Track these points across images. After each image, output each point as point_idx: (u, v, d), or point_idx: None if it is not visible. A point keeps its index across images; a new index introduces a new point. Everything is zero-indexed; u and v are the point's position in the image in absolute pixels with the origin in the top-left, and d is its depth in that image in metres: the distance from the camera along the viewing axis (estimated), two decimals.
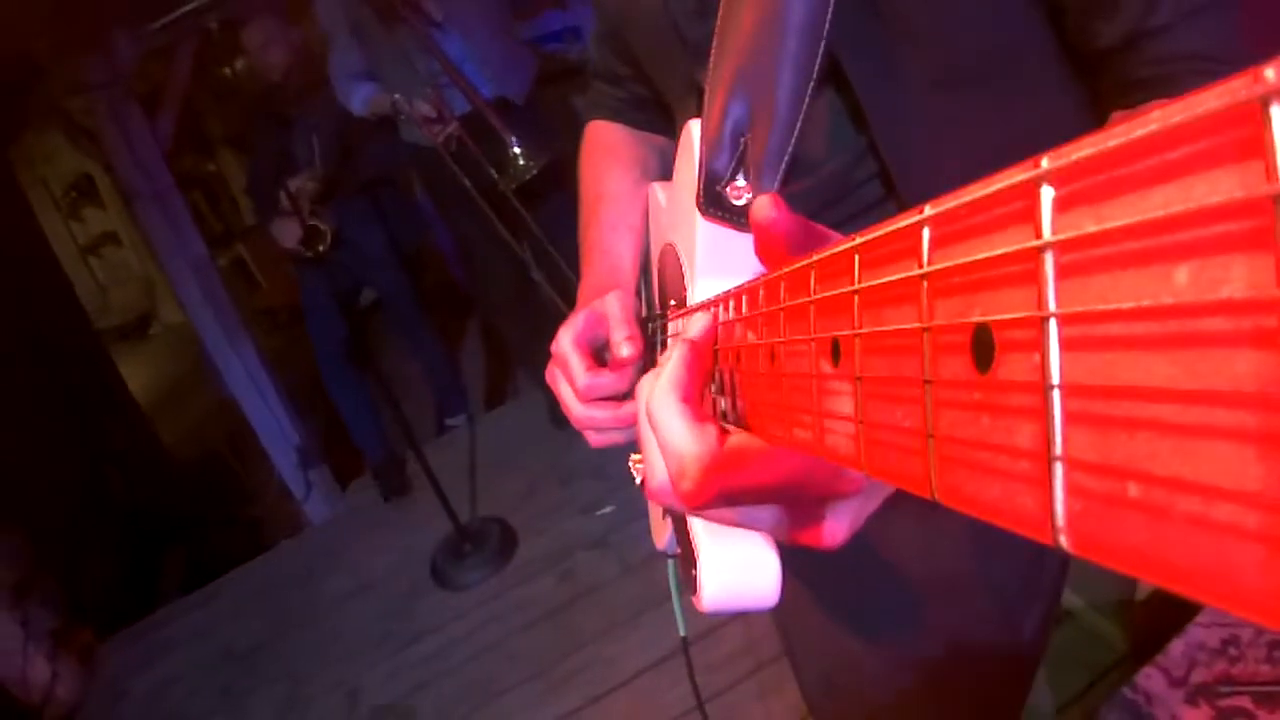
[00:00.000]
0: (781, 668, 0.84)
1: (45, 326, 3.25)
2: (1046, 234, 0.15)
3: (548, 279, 1.95)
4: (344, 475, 3.25)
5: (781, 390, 0.31)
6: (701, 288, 0.56)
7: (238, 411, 2.96)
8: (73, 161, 6.07)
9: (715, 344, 0.40)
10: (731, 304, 0.39)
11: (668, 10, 0.63)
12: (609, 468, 2.49)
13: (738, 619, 1.84)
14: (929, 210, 0.20)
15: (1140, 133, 0.13)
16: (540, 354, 0.71)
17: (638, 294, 0.77)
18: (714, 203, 0.53)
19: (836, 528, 0.35)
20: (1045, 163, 0.15)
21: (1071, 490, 0.15)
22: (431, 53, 2.13)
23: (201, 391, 4.45)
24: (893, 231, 0.21)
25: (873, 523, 0.36)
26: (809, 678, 0.83)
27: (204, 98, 4.98)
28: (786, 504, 0.35)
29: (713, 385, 0.40)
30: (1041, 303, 0.15)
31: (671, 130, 0.76)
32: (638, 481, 0.65)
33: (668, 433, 0.35)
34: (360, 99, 2.55)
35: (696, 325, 0.40)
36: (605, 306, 0.66)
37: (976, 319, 0.17)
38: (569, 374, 0.65)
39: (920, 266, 0.20)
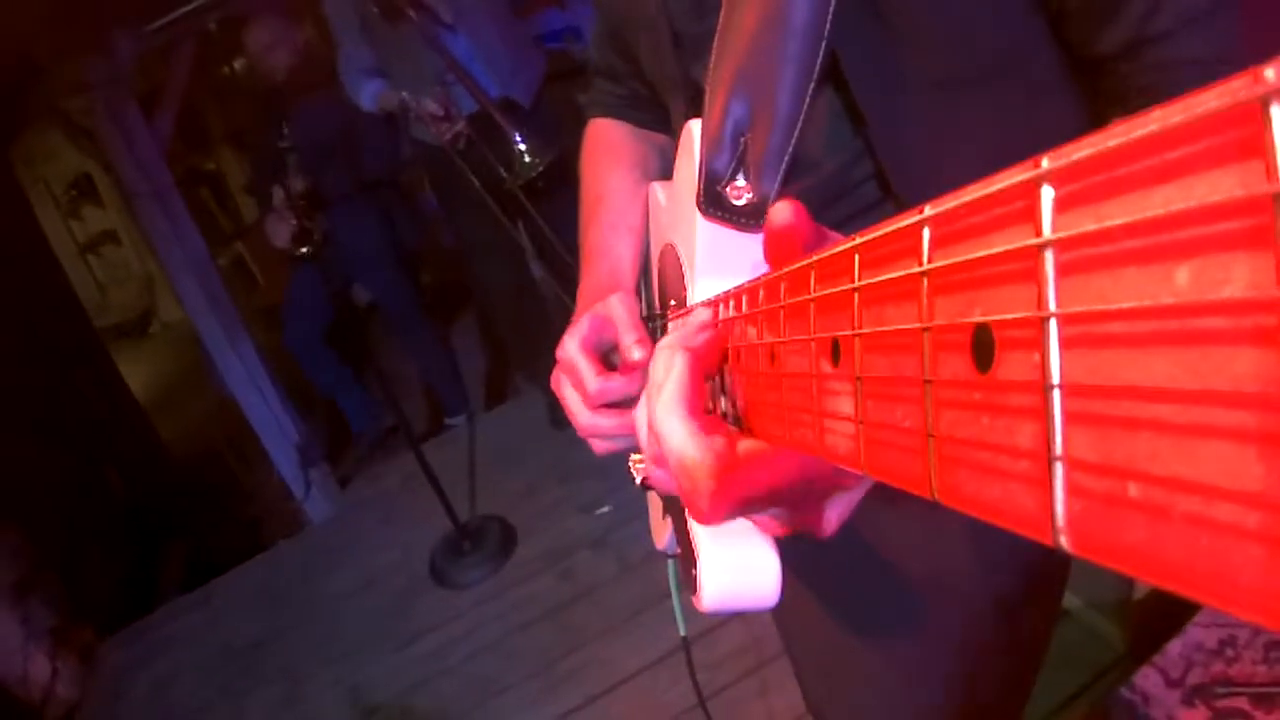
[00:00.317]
0: (783, 665, 0.84)
1: (44, 325, 3.25)
2: (1047, 233, 0.15)
3: (553, 275, 1.96)
4: (344, 474, 3.25)
5: (781, 390, 0.31)
6: (701, 288, 0.56)
7: (237, 410, 2.96)
8: (73, 161, 6.06)
9: (714, 348, 0.40)
10: (731, 304, 0.39)
11: (665, 8, 0.63)
12: (609, 467, 2.46)
13: (738, 617, 1.83)
14: (929, 210, 0.20)
15: (1140, 133, 0.13)
16: (541, 353, 0.71)
17: (638, 294, 0.77)
18: (714, 202, 0.53)
19: (832, 516, 0.36)
20: (1045, 163, 0.15)
21: (1071, 490, 0.15)
22: (438, 52, 2.13)
23: (201, 390, 4.45)
24: (893, 231, 0.21)
25: (873, 522, 0.36)
26: (809, 676, 0.83)
27: (204, 96, 4.98)
28: (794, 502, 0.35)
29: (711, 385, 0.40)
30: (1042, 302, 0.15)
31: (671, 128, 0.76)
32: (638, 482, 0.65)
33: (677, 450, 0.34)
34: (369, 95, 2.56)
35: (694, 332, 0.39)
36: (610, 309, 0.66)
37: (977, 319, 0.17)
38: (578, 379, 0.64)
39: (920, 265, 0.20)
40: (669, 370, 0.37)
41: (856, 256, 0.24)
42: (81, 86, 2.60)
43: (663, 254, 0.70)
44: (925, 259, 0.20)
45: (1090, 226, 0.14)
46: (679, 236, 0.63)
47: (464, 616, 2.30)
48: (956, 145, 0.55)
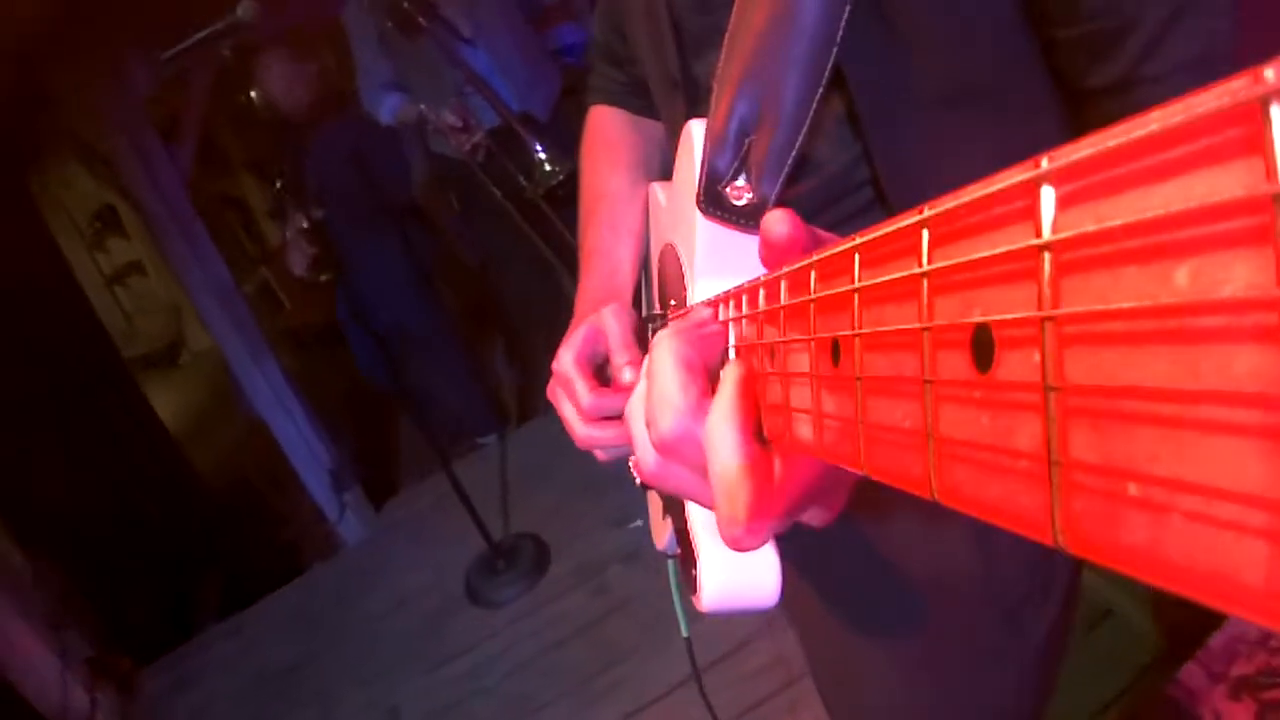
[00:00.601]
0: (812, 682, 0.84)
1: (72, 357, 3.26)
2: (1046, 233, 0.15)
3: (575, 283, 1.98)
4: (377, 495, 3.24)
5: (781, 390, 0.31)
6: (701, 288, 0.56)
7: (268, 435, 2.97)
8: (95, 192, 6.08)
9: (717, 347, 0.40)
10: (731, 304, 0.39)
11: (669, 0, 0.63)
12: None
13: (768, 631, 1.81)
14: (929, 210, 0.20)
15: (1140, 133, 0.13)
16: None
17: (637, 295, 0.77)
18: (714, 202, 0.53)
19: (835, 506, 0.36)
20: (1045, 162, 0.15)
21: (1071, 490, 0.15)
22: (457, 65, 2.15)
23: (232, 418, 4.45)
24: (893, 231, 0.21)
25: (874, 521, 0.36)
26: (823, 679, 0.84)
27: (222, 123, 4.99)
28: (808, 505, 0.35)
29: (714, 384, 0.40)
30: (1042, 302, 0.15)
31: (664, 124, 0.76)
32: (637, 482, 0.65)
33: (724, 475, 0.33)
34: (388, 109, 2.57)
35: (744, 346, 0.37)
36: (604, 322, 0.66)
37: (976, 318, 0.17)
38: (572, 394, 0.64)
39: (920, 266, 0.20)
40: (725, 382, 0.35)
41: (856, 256, 0.24)
42: (99, 115, 2.61)
43: (663, 254, 0.70)
44: (925, 259, 0.20)
45: (1090, 226, 0.14)
46: (679, 236, 0.63)
47: (499, 635, 2.30)
48: (953, 159, 0.55)
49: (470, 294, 4.31)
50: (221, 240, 3.06)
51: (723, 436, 0.33)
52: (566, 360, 0.65)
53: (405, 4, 1.97)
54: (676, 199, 0.65)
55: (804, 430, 0.29)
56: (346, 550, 3.04)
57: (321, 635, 2.64)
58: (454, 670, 2.25)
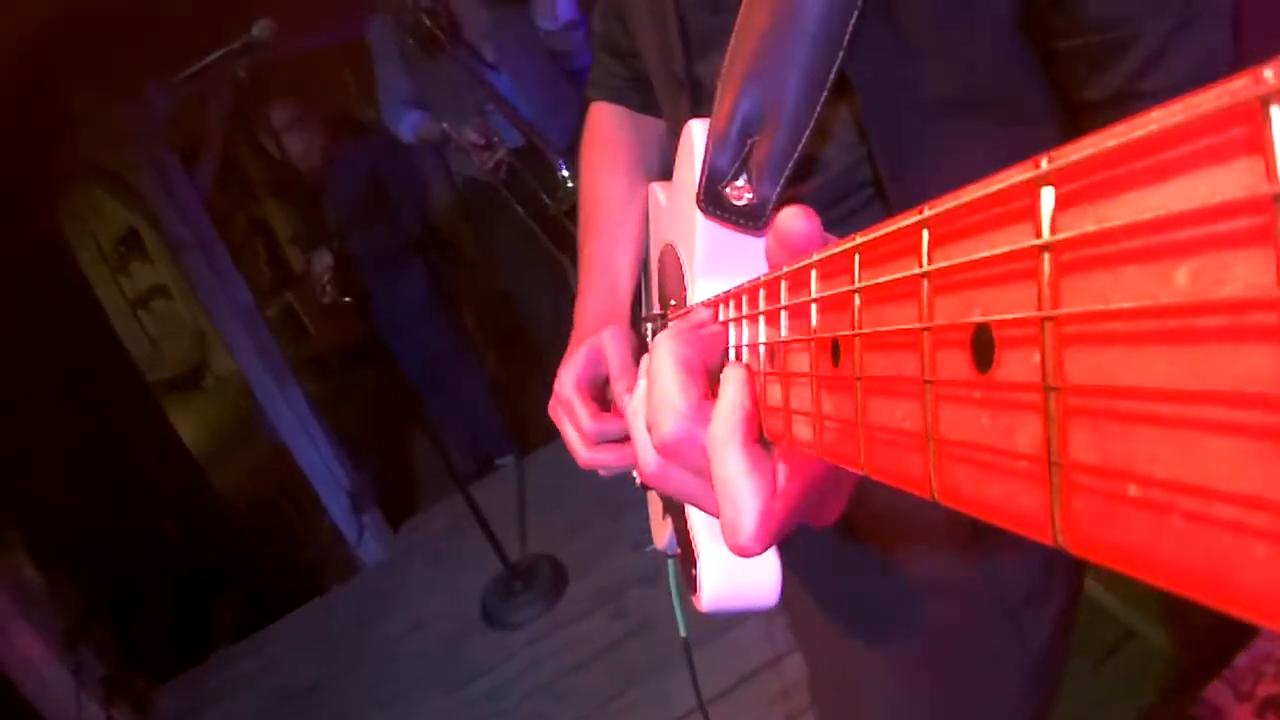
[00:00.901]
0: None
1: (95, 380, 3.28)
2: (1046, 233, 0.15)
3: None
4: (395, 517, 3.24)
5: (781, 390, 0.31)
6: (701, 288, 0.56)
7: (289, 459, 2.99)
8: (119, 217, 6.13)
9: (717, 346, 0.40)
10: (731, 304, 0.39)
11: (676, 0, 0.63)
12: None
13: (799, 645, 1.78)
14: (929, 210, 0.20)
15: (1140, 133, 0.13)
16: None
17: (637, 297, 0.77)
18: (714, 202, 0.53)
19: (836, 506, 0.36)
20: (1045, 163, 0.15)
21: (1071, 490, 0.15)
22: (480, 83, 2.17)
23: (253, 441, 4.48)
24: (893, 231, 0.21)
25: (873, 523, 0.36)
26: (821, 685, 0.84)
27: (245, 150, 4.99)
28: (812, 507, 0.35)
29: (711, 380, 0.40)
30: (1042, 302, 0.15)
31: (666, 123, 0.76)
32: (637, 482, 0.65)
33: (729, 482, 0.33)
34: (409, 126, 2.59)
35: (735, 370, 0.36)
36: (604, 345, 0.68)
37: (976, 318, 0.17)
38: (574, 417, 0.66)
39: (920, 266, 0.20)
40: (726, 385, 0.35)
41: (856, 256, 0.24)
42: (119, 140, 2.63)
43: (663, 254, 0.70)
44: (925, 259, 0.20)
45: (1090, 227, 0.14)
46: (679, 236, 0.63)
47: (516, 657, 2.29)
48: (954, 162, 0.55)
49: (491, 314, 4.34)
50: (245, 265, 3.08)
51: (725, 442, 0.33)
52: (568, 383, 0.67)
53: (428, 23, 1.98)
54: (677, 199, 0.65)
55: (804, 431, 0.29)
56: (365, 572, 3.06)
57: (340, 657, 2.64)
58: (473, 692, 2.24)
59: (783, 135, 0.51)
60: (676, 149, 0.62)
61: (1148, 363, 0.13)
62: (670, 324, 0.44)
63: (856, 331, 0.23)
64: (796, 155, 0.51)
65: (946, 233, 0.19)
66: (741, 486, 0.32)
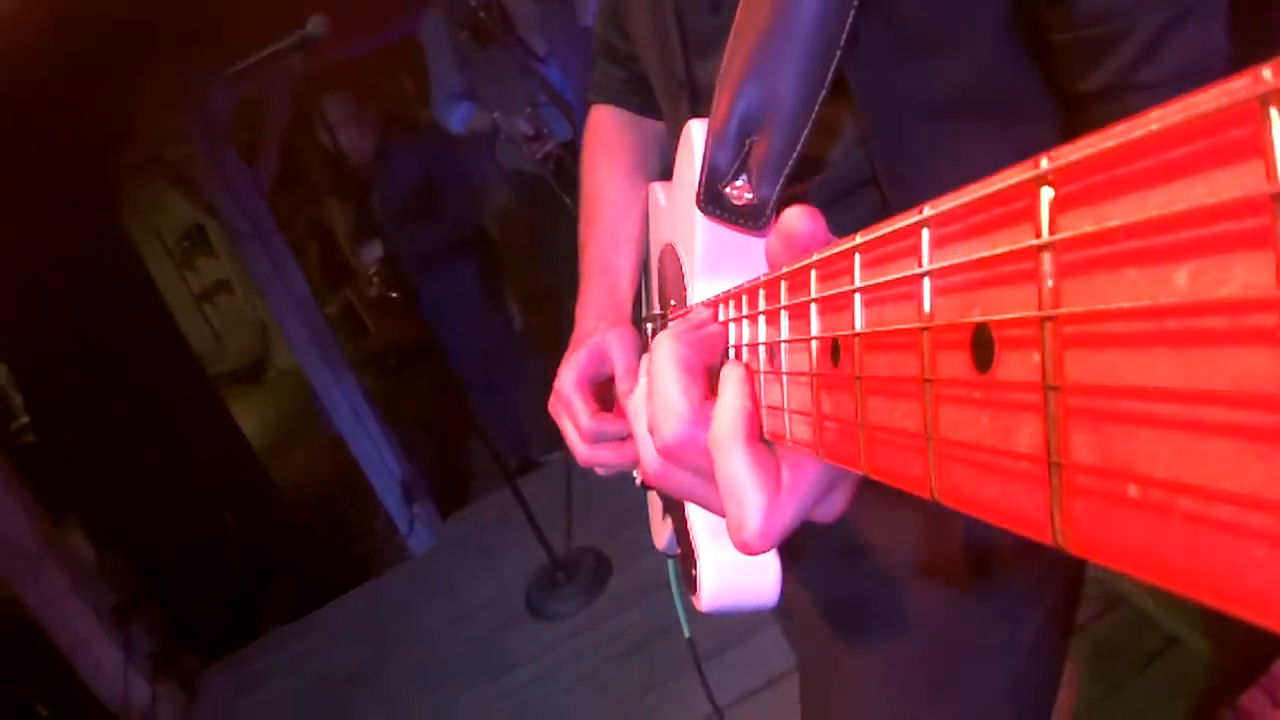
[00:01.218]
0: None
1: (159, 372, 3.33)
2: (1046, 234, 0.15)
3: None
4: (445, 507, 3.28)
5: (781, 390, 0.31)
6: (701, 288, 0.56)
7: (346, 450, 3.03)
8: (183, 212, 6.19)
9: (717, 346, 0.40)
10: (731, 304, 0.39)
11: (675, 1, 0.63)
12: None
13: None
14: (929, 210, 0.20)
15: (1140, 133, 0.13)
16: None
17: (637, 299, 0.77)
18: (714, 201, 0.53)
19: (838, 504, 0.36)
20: (1045, 163, 0.15)
21: (1071, 490, 0.15)
22: (531, 75, 2.20)
23: (313, 433, 4.53)
24: (893, 231, 0.21)
25: (869, 520, 0.36)
26: (806, 678, 0.83)
27: (309, 153, 5.00)
28: (814, 505, 0.35)
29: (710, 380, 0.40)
30: (1041, 302, 0.15)
31: (666, 124, 0.76)
32: (638, 482, 0.65)
33: (733, 482, 0.33)
34: (459, 118, 2.62)
35: (732, 368, 0.36)
36: (608, 345, 0.68)
37: (976, 319, 0.17)
38: (573, 415, 0.66)
39: (920, 266, 0.20)
40: (726, 385, 0.35)
41: (856, 256, 0.24)
42: (179, 136, 2.68)
43: (663, 254, 0.70)
44: (925, 259, 0.20)
45: (1090, 227, 0.14)
46: (679, 236, 0.63)
47: (558, 648, 2.31)
48: (953, 161, 0.55)
49: (541, 310, 4.35)
50: (306, 262, 3.09)
51: (727, 442, 0.33)
52: (569, 381, 0.67)
53: (481, 14, 2.00)
54: (677, 199, 0.65)
55: (804, 430, 0.29)
56: (413, 561, 3.09)
57: (386, 642, 2.67)
58: (514, 680, 2.27)
59: (782, 135, 0.51)
60: (676, 149, 0.62)
61: (1147, 363, 0.13)
62: (670, 324, 0.44)
63: (856, 331, 0.23)
64: (796, 155, 0.51)
65: (946, 233, 0.19)
66: (746, 485, 0.32)
